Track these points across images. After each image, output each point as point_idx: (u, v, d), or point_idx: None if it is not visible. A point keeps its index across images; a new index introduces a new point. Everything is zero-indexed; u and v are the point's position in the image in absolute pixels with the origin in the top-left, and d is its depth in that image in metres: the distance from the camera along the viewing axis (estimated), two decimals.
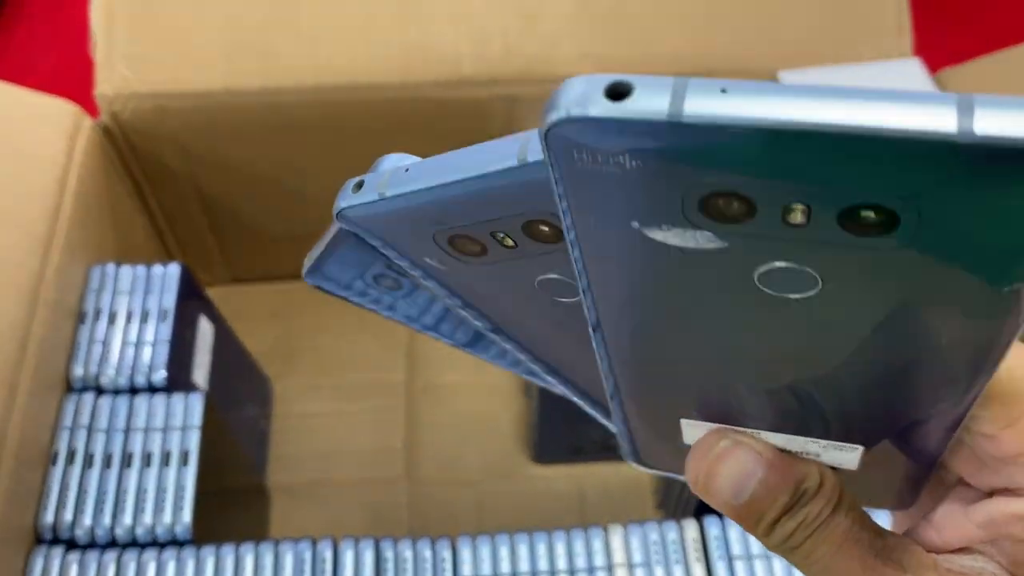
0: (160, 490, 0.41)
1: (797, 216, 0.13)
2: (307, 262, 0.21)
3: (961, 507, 0.19)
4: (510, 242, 0.17)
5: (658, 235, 0.14)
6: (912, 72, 0.52)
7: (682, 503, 0.51)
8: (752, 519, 0.19)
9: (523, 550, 0.40)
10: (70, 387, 0.44)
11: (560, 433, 0.57)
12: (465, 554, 0.39)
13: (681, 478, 0.20)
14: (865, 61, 0.52)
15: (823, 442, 0.19)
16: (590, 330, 0.17)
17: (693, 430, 0.19)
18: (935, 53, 0.54)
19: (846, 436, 0.18)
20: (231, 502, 0.51)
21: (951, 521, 0.19)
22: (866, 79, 0.52)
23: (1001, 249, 0.13)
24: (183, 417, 0.42)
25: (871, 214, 0.12)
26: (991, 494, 0.19)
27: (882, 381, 0.17)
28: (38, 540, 0.40)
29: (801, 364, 0.16)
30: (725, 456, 0.19)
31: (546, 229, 0.17)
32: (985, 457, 0.18)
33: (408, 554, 0.39)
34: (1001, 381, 0.18)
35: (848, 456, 0.19)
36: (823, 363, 0.16)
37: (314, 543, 0.39)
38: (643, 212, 0.13)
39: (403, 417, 0.60)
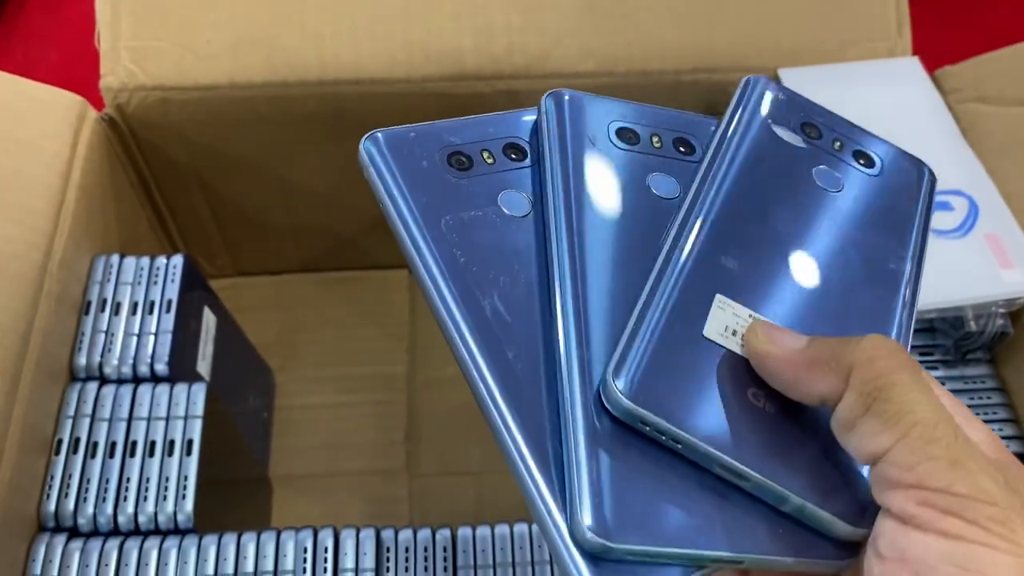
0: (163, 479, 0.41)
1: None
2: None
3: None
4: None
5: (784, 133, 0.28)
6: (910, 71, 0.52)
7: None
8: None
9: (523, 540, 0.40)
10: (73, 377, 0.44)
11: None
12: (465, 544, 0.40)
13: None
14: (864, 60, 0.53)
15: None
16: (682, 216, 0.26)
17: (722, 313, 0.24)
18: (934, 52, 0.54)
19: None
20: (233, 493, 0.52)
21: None
22: (865, 78, 0.52)
23: None
24: (186, 407, 0.43)
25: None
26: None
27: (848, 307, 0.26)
28: (40, 528, 0.40)
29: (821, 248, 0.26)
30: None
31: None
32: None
33: (409, 543, 0.40)
34: None
35: None
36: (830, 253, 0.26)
37: (315, 532, 0.40)
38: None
39: (404, 410, 0.60)
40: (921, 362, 0.45)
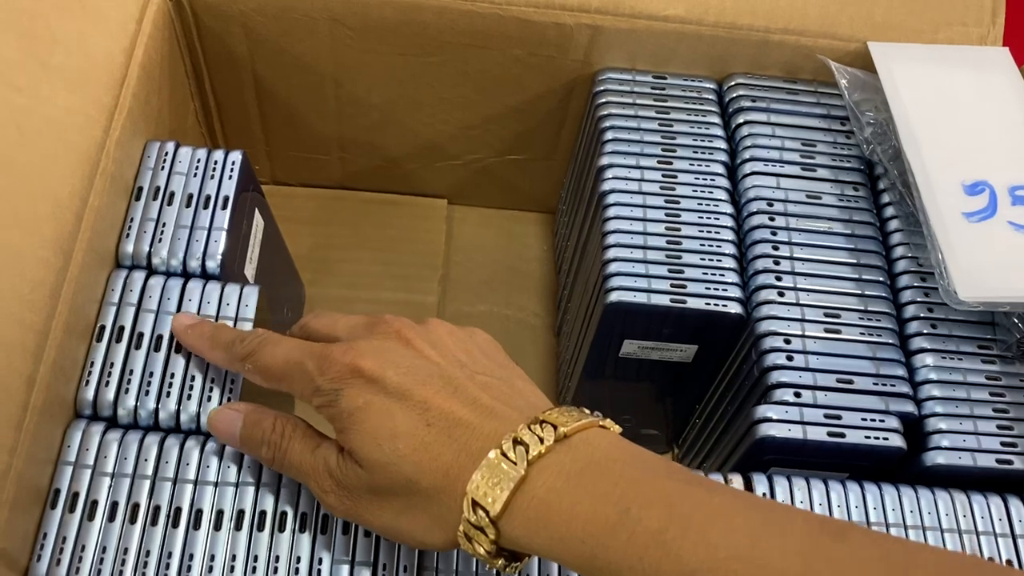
0: (209, 379, 0.40)
1: None
2: None
3: None
4: None
5: None
6: (1001, 61, 0.51)
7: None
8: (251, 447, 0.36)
9: None
10: (119, 264, 0.42)
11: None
12: None
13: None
14: (955, 44, 0.52)
15: None
16: None
17: None
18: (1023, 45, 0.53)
19: None
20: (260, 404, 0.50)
21: None
22: (955, 62, 0.51)
23: None
24: (237, 308, 0.41)
25: None
26: None
27: None
28: (77, 415, 0.39)
29: None
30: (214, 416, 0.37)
31: None
32: None
33: None
34: None
35: None
36: None
37: None
38: None
39: None
40: (979, 355, 0.45)
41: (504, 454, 0.28)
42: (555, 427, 0.29)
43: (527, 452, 0.28)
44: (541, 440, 0.28)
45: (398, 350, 0.32)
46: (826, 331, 0.44)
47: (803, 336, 0.44)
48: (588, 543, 0.27)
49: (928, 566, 0.25)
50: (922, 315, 0.45)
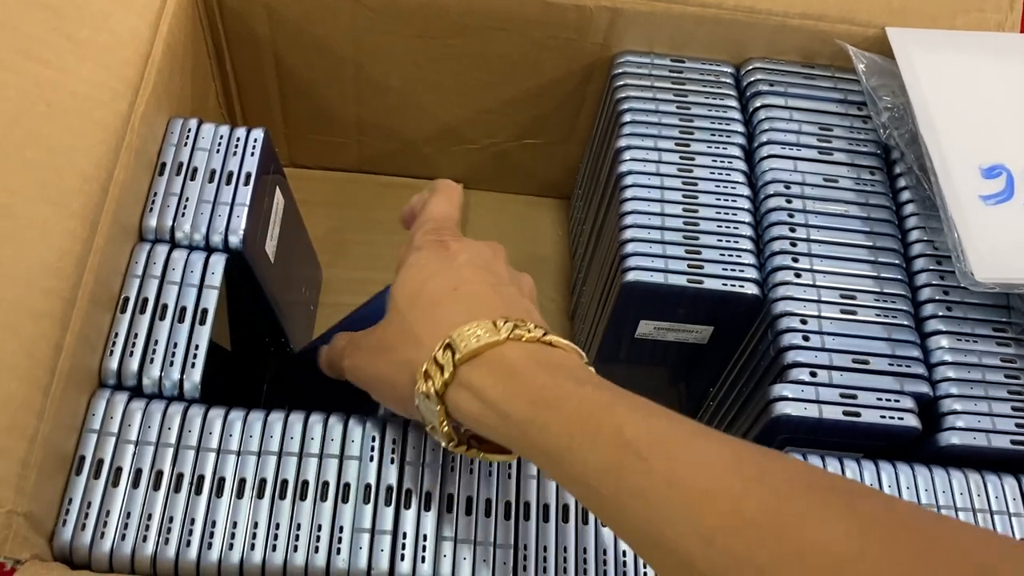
0: None
1: None
2: None
3: None
4: None
5: None
6: (1017, 48, 0.51)
7: None
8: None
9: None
10: (142, 237, 0.43)
11: None
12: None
13: None
14: (973, 30, 0.52)
15: None
16: None
17: None
18: None
19: None
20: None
21: None
22: (972, 47, 0.51)
23: None
24: None
25: None
26: None
27: None
28: (101, 384, 0.39)
29: None
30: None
31: None
32: None
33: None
34: None
35: None
36: None
37: (384, 422, 0.39)
38: None
39: None
40: (993, 338, 0.45)
41: (494, 323, 0.32)
42: (545, 332, 0.33)
43: (513, 330, 0.32)
44: (529, 331, 0.32)
45: (485, 252, 0.38)
46: (842, 312, 0.44)
47: (819, 317, 0.44)
48: (538, 404, 0.30)
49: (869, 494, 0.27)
50: (937, 298, 0.45)
